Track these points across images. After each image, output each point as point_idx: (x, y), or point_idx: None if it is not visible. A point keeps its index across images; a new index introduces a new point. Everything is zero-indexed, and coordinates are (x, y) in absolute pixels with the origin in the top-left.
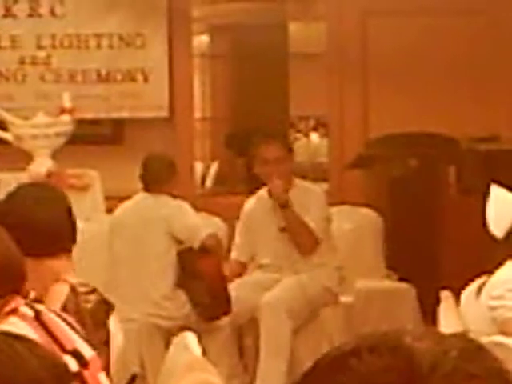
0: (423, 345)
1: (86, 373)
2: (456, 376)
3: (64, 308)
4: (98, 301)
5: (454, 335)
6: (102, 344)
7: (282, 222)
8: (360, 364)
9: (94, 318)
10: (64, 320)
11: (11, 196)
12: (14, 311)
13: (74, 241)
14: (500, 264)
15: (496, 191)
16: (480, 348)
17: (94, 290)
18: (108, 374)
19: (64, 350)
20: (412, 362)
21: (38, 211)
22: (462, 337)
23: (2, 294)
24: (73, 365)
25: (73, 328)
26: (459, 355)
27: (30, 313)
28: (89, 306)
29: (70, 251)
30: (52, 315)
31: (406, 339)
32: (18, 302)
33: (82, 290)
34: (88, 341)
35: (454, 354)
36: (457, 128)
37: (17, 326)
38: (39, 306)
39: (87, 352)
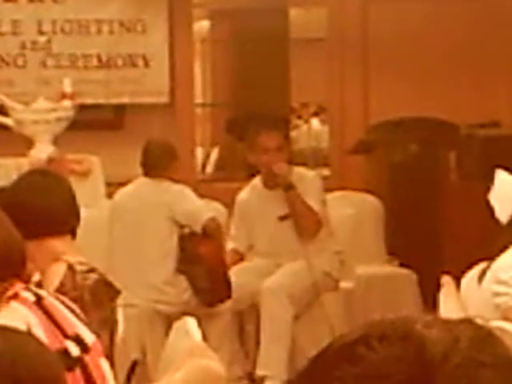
0: (433, 333)
1: (87, 358)
2: (468, 365)
3: (61, 285)
4: (98, 279)
5: (462, 321)
6: (101, 322)
7: (280, 211)
8: (369, 352)
9: (93, 295)
10: (65, 304)
11: (15, 183)
12: (15, 296)
13: (77, 222)
14: (503, 249)
15: (501, 176)
16: (490, 335)
17: (93, 270)
18: (111, 355)
19: (65, 335)
20: (423, 351)
21: (40, 195)
22: (471, 323)
23: (3, 279)
24: (74, 350)
25: (74, 312)
26: (470, 344)
27: (31, 297)
28: (88, 282)
29: (71, 233)
30: (53, 300)
31: (416, 327)
32: (19, 287)
33: (80, 268)
34: (88, 324)
35: (465, 342)
36: (457, 114)
37: (18, 310)
38: (40, 291)
39: (88, 337)
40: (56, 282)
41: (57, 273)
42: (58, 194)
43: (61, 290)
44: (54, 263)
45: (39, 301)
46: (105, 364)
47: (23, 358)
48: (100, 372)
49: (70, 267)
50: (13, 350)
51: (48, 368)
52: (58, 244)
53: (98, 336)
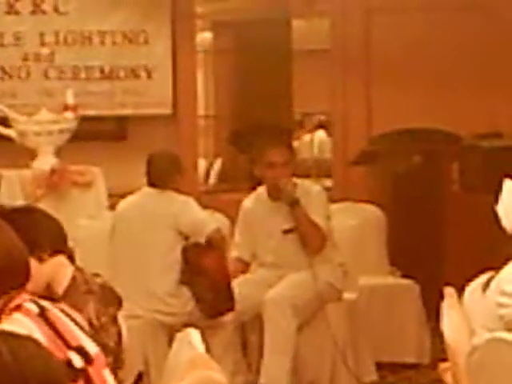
0: None
1: (90, 369)
2: None
3: (73, 280)
4: (106, 284)
5: None
6: (111, 320)
7: (284, 223)
8: None
9: (102, 292)
10: (68, 316)
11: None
12: (18, 307)
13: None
14: (509, 259)
15: (508, 185)
16: None
17: (97, 274)
18: (120, 355)
19: (69, 347)
20: None
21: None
22: None
23: (7, 290)
24: (77, 361)
25: (77, 324)
26: None
27: (35, 309)
28: (97, 280)
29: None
30: (57, 311)
31: None
32: (23, 298)
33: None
34: (93, 337)
35: None
36: (460, 124)
37: (20, 322)
38: (44, 303)
39: (92, 348)
40: (67, 279)
41: (65, 273)
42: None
43: (73, 285)
44: (61, 268)
45: (43, 312)
46: (108, 375)
47: (31, 367)
48: (104, 383)
49: (78, 269)
50: (20, 358)
51: (55, 375)
52: (60, 261)
53: (104, 345)
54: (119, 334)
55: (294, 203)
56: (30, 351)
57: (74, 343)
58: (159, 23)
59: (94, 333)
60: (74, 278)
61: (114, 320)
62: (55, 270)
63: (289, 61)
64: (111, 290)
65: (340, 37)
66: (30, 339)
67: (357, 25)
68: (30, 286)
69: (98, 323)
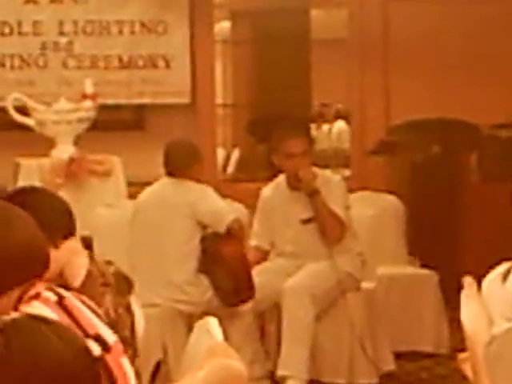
0: None
1: (108, 357)
2: None
3: (89, 273)
4: (118, 271)
5: None
6: (126, 309)
7: (303, 213)
8: None
9: (116, 282)
10: (86, 305)
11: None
12: (37, 296)
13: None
14: None
15: None
16: None
17: (109, 262)
18: (134, 341)
19: (87, 335)
20: None
21: (44, 205)
22: None
23: (26, 279)
24: (95, 349)
25: (95, 312)
26: None
27: (53, 297)
28: (110, 270)
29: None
30: (74, 299)
31: None
32: (41, 287)
33: (99, 259)
34: (110, 325)
35: None
36: (478, 114)
37: (39, 309)
38: (62, 291)
39: (109, 337)
40: (82, 273)
41: (81, 264)
42: (57, 198)
43: (90, 278)
44: (75, 257)
45: (61, 300)
46: (126, 363)
47: (50, 350)
48: (121, 371)
49: (92, 258)
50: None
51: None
52: (72, 245)
53: (124, 338)
54: (132, 323)
55: (313, 193)
56: (67, 333)
57: (91, 331)
58: (178, 13)
59: (113, 325)
60: (90, 272)
61: (128, 309)
62: (69, 257)
63: (307, 50)
64: (123, 277)
65: (358, 26)
66: (53, 321)
67: (374, 14)
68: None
69: (116, 315)
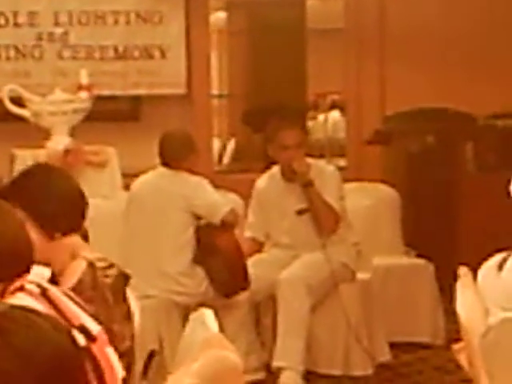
0: None
1: (94, 347)
2: None
3: (79, 283)
4: (117, 275)
5: None
6: (123, 318)
7: (297, 204)
8: None
9: (114, 292)
10: (70, 298)
11: (21, 177)
12: (21, 288)
13: (84, 218)
14: None
15: None
16: None
17: (112, 265)
18: (133, 347)
19: (71, 325)
20: None
21: (49, 193)
22: None
23: (9, 275)
24: (81, 339)
25: (79, 305)
26: None
27: (36, 289)
28: (109, 280)
29: (80, 229)
30: (56, 291)
31: None
32: (24, 280)
33: (100, 264)
34: (94, 316)
35: None
36: (474, 104)
37: (25, 301)
38: (45, 284)
39: (94, 327)
40: (73, 281)
41: (75, 270)
42: (66, 196)
43: (77, 289)
44: (73, 260)
45: (44, 292)
46: (112, 353)
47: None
48: (108, 361)
49: (91, 265)
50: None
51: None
52: (75, 241)
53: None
54: (132, 333)
55: (307, 184)
56: (57, 323)
57: (75, 322)
58: (173, 3)
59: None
60: (80, 281)
61: (128, 315)
62: (64, 256)
63: (303, 40)
64: (124, 277)
65: (354, 16)
66: (40, 312)
67: (371, 4)
68: None
69: (107, 330)
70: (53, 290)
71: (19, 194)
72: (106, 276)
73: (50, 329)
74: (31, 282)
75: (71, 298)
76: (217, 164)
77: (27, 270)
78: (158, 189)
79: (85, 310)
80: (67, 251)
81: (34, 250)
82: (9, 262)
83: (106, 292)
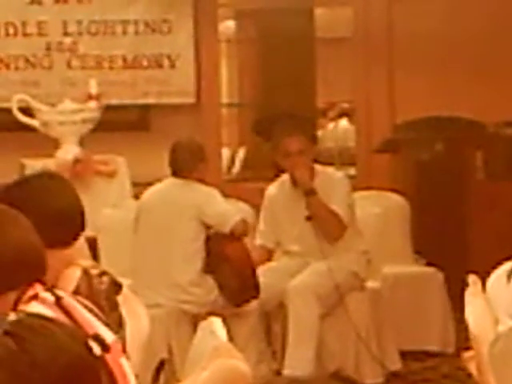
0: None
1: (108, 357)
2: None
3: (77, 291)
4: (110, 282)
5: None
6: (116, 325)
7: (307, 210)
8: None
9: (108, 299)
10: (84, 305)
11: (20, 185)
12: (35, 296)
13: (83, 228)
14: None
15: None
16: None
17: (104, 272)
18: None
19: (86, 335)
20: None
21: (48, 202)
22: None
23: (20, 284)
24: (95, 349)
25: (93, 313)
26: None
27: (51, 298)
28: (103, 287)
29: (79, 237)
30: (72, 300)
31: None
32: (39, 288)
33: (94, 272)
34: (108, 325)
35: None
36: (483, 112)
37: (39, 310)
38: (59, 291)
39: (108, 336)
40: (70, 288)
41: (71, 278)
42: (68, 197)
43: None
44: (68, 268)
45: (58, 301)
46: (125, 363)
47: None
48: (121, 371)
49: (86, 272)
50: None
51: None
52: (67, 252)
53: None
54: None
55: (309, 192)
56: (72, 331)
57: (90, 331)
58: (182, 12)
59: None
60: (77, 287)
61: (121, 322)
62: (60, 268)
63: (312, 49)
64: (116, 284)
65: (363, 25)
66: (56, 320)
67: (379, 13)
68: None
69: None
70: (67, 299)
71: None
72: (101, 283)
73: (67, 338)
74: (46, 290)
75: (86, 307)
76: (227, 173)
77: (40, 278)
78: (168, 198)
79: (99, 319)
80: (61, 263)
81: (44, 257)
82: (17, 270)
83: (102, 299)
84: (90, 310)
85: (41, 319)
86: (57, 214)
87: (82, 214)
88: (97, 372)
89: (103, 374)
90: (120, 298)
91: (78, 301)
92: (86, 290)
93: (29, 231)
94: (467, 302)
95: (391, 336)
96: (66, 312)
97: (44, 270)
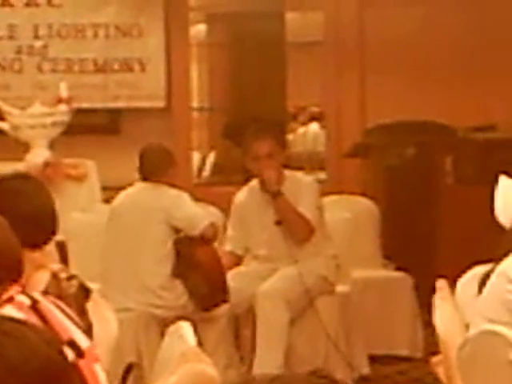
0: None
1: (81, 362)
2: None
3: (45, 294)
4: (79, 286)
5: None
6: (87, 330)
7: (275, 214)
8: None
9: (77, 303)
10: (61, 309)
11: None
12: (10, 300)
13: (54, 232)
14: (508, 253)
15: (504, 181)
16: None
17: (73, 276)
18: None
19: (59, 339)
20: None
21: (20, 203)
22: None
23: None
24: (69, 355)
25: (70, 317)
26: None
27: (27, 301)
28: (72, 291)
29: (50, 240)
30: (49, 304)
31: None
32: (15, 290)
33: (63, 275)
34: (83, 329)
35: None
36: (453, 117)
37: (12, 314)
38: (36, 294)
39: (83, 342)
40: (39, 291)
41: (40, 281)
42: (41, 200)
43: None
44: (37, 271)
45: (34, 304)
46: (99, 369)
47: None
48: (94, 377)
49: (55, 276)
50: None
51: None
52: (37, 255)
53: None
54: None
55: (276, 194)
56: (45, 334)
57: (65, 337)
58: (153, 16)
59: None
60: (45, 293)
61: (90, 328)
62: (30, 271)
63: (283, 53)
64: (84, 289)
65: (334, 29)
66: (29, 323)
67: (350, 17)
68: None
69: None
70: (44, 303)
71: None
72: (70, 286)
73: (41, 342)
74: (23, 293)
75: (63, 311)
76: (197, 177)
77: (16, 279)
78: (137, 202)
79: (76, 324)
80: (31, 265)
81: (22, 261)
82: None
83: (71, 303)
84: (67, 315)
85: (16, 323)
86: (29, 216)
87: (55, 217)
88: (70, 375)
89: (76, 379)
90: (89, 303)
91: (55, 305)
92: (55, 294)
93: (7, 231)
94: (436, 307)
95: (360, 340)
96: (41, 316)
97: (21, 271)
